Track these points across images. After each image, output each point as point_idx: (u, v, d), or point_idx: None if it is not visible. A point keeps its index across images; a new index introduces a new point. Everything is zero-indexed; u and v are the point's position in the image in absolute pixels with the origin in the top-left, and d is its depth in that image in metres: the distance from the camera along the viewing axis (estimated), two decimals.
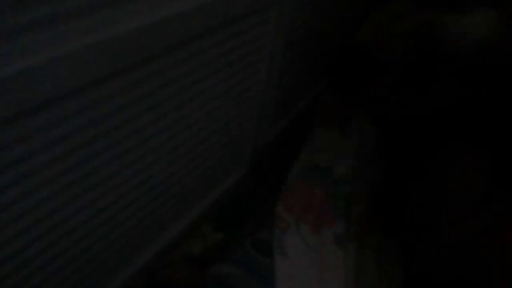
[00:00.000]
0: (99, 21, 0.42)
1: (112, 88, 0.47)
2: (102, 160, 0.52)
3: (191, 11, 0.51)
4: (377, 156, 1.02)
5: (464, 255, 0.70)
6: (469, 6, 0.84)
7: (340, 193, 0.93)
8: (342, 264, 0.81)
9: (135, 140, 0.56)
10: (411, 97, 1.00)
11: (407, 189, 0.84)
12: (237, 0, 0.59)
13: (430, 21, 0.93)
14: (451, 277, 0.71)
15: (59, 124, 0.43)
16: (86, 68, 0.41)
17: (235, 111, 0.79)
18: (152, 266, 0.77)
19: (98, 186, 0.53)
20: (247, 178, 0.98)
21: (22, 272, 0.50)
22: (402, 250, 0.82)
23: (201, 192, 0.84)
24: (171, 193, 0.71)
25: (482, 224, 0.69)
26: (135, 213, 0.64)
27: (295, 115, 1.15)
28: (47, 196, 0.47)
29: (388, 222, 0.88)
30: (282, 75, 0.89)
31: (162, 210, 0.72)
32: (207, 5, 0.53)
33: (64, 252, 0.54)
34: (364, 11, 1.20)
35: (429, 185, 0.81)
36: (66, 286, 0.58)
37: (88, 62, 0.41)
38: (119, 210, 0.60)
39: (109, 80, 0.46)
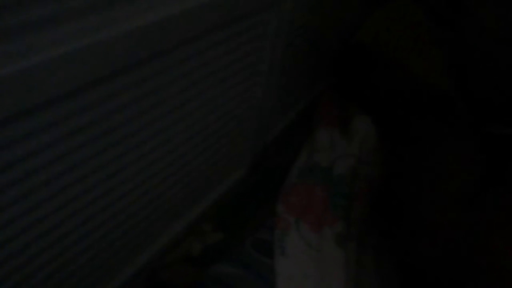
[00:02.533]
0: (98, 21, 0.42)
1: (111, 88, 0.47)
2: (102, 160, 0.52)
3: (191, 11, 0.51)
4: (377, 155, 1.02)
5: (453, 254, 0.70)
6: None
7: (341, 193, 0.93)
8: (343, 264, 0.81)
9: (134, 140, 0.56)
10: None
11: (403, 188, 0.85)
12: (237, 0, 0.59)
13: None
14: (443, 277, 0.71)
15: (59, 124, 0.43)
16: (86, 68, 0.41)
17: (235, 111, 0.79)
18: (152, 266, 0.77)
19: (98, 186, 0.53)
20: (247, 178, 0.98)
21: (21, 272, 0.50)
22: (398, 249, 0.83)
23: (201, 192, 0.84)
24: (171, 193, 0.71)
25: (469, 224, 0.70)
26: (135, 213, 0.64)
27: (296, 115, 1.15)
28: (47, 196, 0.47)
29: (385, 222, 0.88)
30: (282, 75, 0.89)
31: (162, 210, 0.72)
32: (207, 5, 0.53)
33: (63, 252, 0.54)
34: (365, 11, 1.20)
35: (424, 182, 0.81)
36: (66, 286, 0.58)
37: (88, 62, 0.41)
38: (119, 210, 0.60)
39: (108, 80, 0.46)
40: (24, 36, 0.36)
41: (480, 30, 0.85)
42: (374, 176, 0.98)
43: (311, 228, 0.86)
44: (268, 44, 0.76)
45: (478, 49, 0.87)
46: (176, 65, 0.56)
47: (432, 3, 1.01)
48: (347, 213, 0.89)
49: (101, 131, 0.49)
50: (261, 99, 0.86)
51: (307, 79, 1.13)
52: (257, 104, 0.85)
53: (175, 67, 0.56)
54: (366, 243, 0.86)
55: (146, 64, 0.50)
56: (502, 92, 0.80)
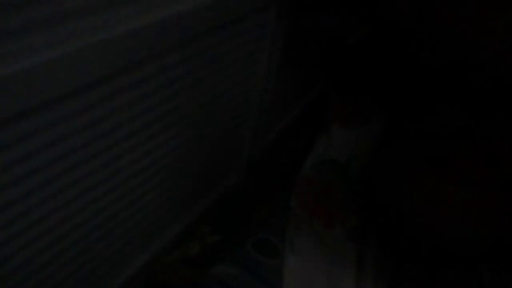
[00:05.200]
0: (98, 22, 0.41)
1: (109, 89, 0.47)
2: (101, 161, 0.52)
3: (190, 12, 0.51)
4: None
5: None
6: None
7: (357, 191, 0.93)
8: (354, 260, 0.81)
9: (133, 140, 0.56)
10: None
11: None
12: (236, 1, 0.59)
13: None
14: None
15: (58, 125, 0.43)
16: (84, 68, 0.41)
17: (234, 111, 0.79)
18: (150, 267, 0.77)
19: (95, 187, 0.53)
20: (246, 178, 0.98)
21: (19, 272, 0.50)
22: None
23: (200, 193, 0.84)
24: (169, 194, 0.71)
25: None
26: (134, 214, 0.64)
27: (296, 114, 1.15)
28: (45, 197, 0.47)
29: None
30: (280, 77, 0.88)
31: (159, 212, 0.72)
32: (205, 6, 0.53)
33: (62, 253, 0.54)
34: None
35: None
36: (64, 287, 0.58)
37: (86, 62, 0.41)
38: (117, 212, 0.60)
39: (106, 81, 0.46)
40: (23, 36, 0.36)
41: None
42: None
43: (324, 224, 0.87)
44: (267, 45, 0.76)
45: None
46: (175, 65, 0.56)
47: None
48: (362, 210, 0.89)
49: (99, 132, 0.49)
50: (259, 100, 0.86)
51: (306, 80, 1.13)
52: (255, 105, 0.85)
53: (174, 68, 0.56)
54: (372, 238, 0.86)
55: (144, 65, 0.50)
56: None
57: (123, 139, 0.53)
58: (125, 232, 0.65)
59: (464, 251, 0.75)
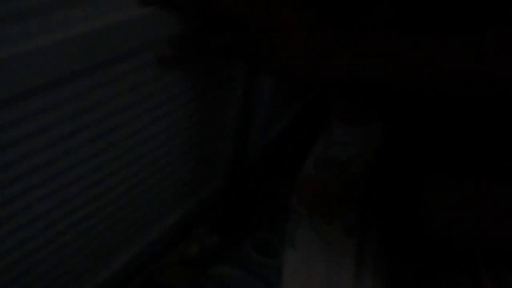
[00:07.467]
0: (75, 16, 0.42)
1: (98, 79, 0.47)
2: (89, 153, 0.52)
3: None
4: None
5: None
6: None
7: (357, 188, 0.92)
8: (353, 255, 0.80)
9: (123, 134, 0.56)
10: None
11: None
12: None
13: None
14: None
15: (42, 114, 0.43)
16: (58, 63, 0.41)
17: (231, 110, 0.78)
18: (149, 267, 0.76)
19: (80, 180, 0.53)
20: (245, 178, 0.98)
21: (13, 269, 0.50)
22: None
23: (197, 193, 0.84)
24: (157, 190, 0.71)
25: None
26: (119, 209, 0.64)
27: (296, 113, 1.15)
28: (27, 188, 0.46)
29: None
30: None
31: (147, 208, 0.71)
32: None
33: (48, 244, 0.54)
34: None
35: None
36: (52, 280, 0.58)
37: (66, 56, 0.41)
38: (108, 203, 0.60)
39: (93, 74, 0.46)
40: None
41: None
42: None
43: (324, 220, 0.86)
44: None
45: None
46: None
47: None
48: (363, 206, 0.89)
49: (90, 126, 0.49)
50: (257, 98, 0.86)
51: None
52: (254, 102, 0.85)
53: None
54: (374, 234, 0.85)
55: (136, 57, 0.50)
56: None
57: (110, 131, 0.53)
58: (111, 227, 0.64)
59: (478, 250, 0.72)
